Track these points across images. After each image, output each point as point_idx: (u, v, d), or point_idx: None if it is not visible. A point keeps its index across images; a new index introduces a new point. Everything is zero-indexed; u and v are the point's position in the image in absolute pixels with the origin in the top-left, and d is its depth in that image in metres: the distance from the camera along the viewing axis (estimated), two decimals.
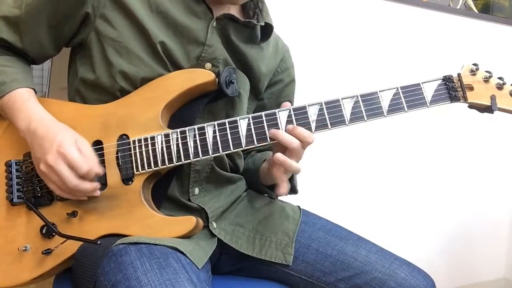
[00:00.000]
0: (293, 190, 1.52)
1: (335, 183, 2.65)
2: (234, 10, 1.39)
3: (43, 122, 1.21)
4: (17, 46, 1.30)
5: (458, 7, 3.03)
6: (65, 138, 1.18)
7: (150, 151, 1.23)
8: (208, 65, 1.31)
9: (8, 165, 1.27)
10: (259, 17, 1.41)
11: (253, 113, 1.47)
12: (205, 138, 1.22)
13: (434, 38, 2.90)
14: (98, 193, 1.21)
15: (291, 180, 1.45)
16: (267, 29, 1.42)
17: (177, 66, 1.29)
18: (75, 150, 1.17)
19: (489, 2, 3.18)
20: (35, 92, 1.30)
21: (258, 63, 1.43)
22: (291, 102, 1.60)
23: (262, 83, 1.48)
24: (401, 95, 1.23)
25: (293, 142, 1.21)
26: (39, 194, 1.24)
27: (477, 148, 3.14)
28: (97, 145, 1.25)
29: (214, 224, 1.37)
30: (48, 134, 1.19)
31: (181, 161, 1.23)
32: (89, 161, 1.18)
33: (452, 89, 1.23)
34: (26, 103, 1.24)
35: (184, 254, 1.17)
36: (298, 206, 1.51)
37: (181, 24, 1.29)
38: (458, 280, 3.18)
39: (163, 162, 1.23)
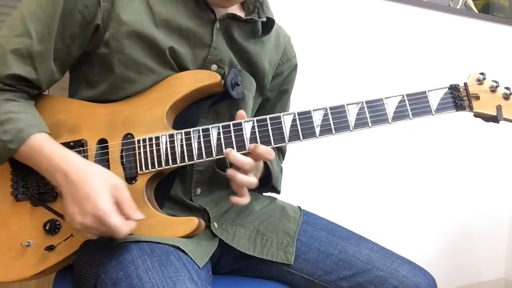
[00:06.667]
0: (274, 190, 1.54)
1: (336, 184, 2.67)
2: (235, 8, 1.39)
3: (70, 171, 1.13)
4: (31, 79, 1.22)
5: (458, 7, 3.04)
6: (100, 194, 1.10)
7: (154, 151, 1.23)
8: (214, 66, 1.32)
9: (14, 160, 1.26)
10: (260, 12, 1.41)
11: (257, 108, 1.50)
12: (209, 140, 1.23)
13: (434, 38, 2.91)
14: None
15: (269, 180, 1.46)
16: (269, 24, 1.42)
17: (185, 70, 1.29)
18: (113, 211, 1.10)
19: (489, 2, 3.19)
20: (49, 134, 1.23)
21: (262, 58, 1.44)
22: (289, 91, 1.62)
23: (267, 78, 1.49)
24: (407, 102, 1.23)
25: (245, 164, 1.21)
26: (43, 191, 1.24)
27: (477, 148, 3.15)
28: (102, 143, 1.25)
29: (216, 225, 1.37)
30: (78, 185, 1.11)
31: (184, 162, 1.23)
32: (125, 212, 1.14)
33: (458, 98, 1.24)
34: (44, 148, 1.17)
35: (186, 253, 1.18)
36: (299, 207, 1.52)
37: (186, 29, 1.28)
38: (458, 280, 3.20)
39: (166, 163, 1.23)
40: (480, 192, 3.23)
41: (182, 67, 1.28)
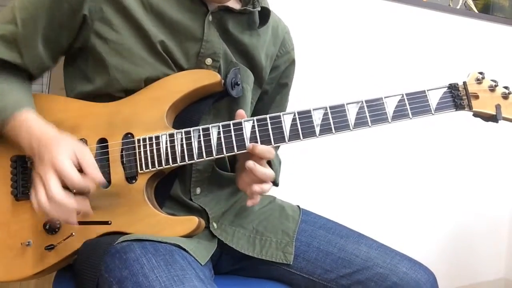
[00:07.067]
0: (273, 183, 1.53)
1: (336, 183, 2.67)
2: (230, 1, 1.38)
3: (43, 135, 1.18)
4: (17, 63, 1.28)
5: (458, 7, 3.04)
6: (60, 150, 1.13)
7: (155, 150, 1.23)
8: (209, 60, 1.31)
9: (14, 160, 1.27)
10: (255, 2, 1.40)
11: (256, 101, 1.49)
12: (210, 139, 1.23)
13: (434, 38, 2.91)
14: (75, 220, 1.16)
15: None
16: (265, 14, 1.42)
17: (178, 65, 1.29)
18: (69, 163, 1.12)
19: (489, 2, 3.19)
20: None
21: (258, 51, 1.43)
22: (289, 85, 1.61)
23: (265, 71, 1.48)
24: (406, 101, 1.23)
25: (266, 152, 1.22)
26: None
27: (478, 148, 3.15)
28: (102, 143, 1.26)
29: (215, 225, 1.37)
30: (46, 147, 1.15)
31: (185, 161, 1.23)
32: (86, 172, 1.14)
33: (457, 97, 1.24)
34: (25, 122, 1.21)
35: (188, 252, 1.17)
36: (298, 206, 1.52)
37: (177, 22, 1.28)
38: (458, 280, 3.19)
39: (167, 162, 1.23)
40: (480, 192, 3.23)
41: (175, 61, 1.29)
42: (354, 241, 1.40)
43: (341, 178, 2.69)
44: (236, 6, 1.39)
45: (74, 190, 1.13)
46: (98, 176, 1.15)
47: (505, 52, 3.18)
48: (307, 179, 2.55)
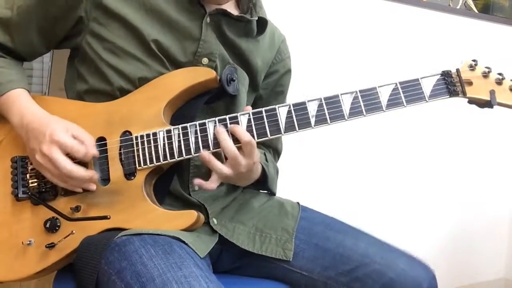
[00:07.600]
0: (270, 192, 1.55)
1: (336, 181, 2.66)
2: (230, 6, 1.41)
3: (34, 115, 1.25)
4: (8, 46, 1.34)
5: (458, 7, 3.04)
6: (56, 127, 1.21)
7: (152, 147, 1.24)
8: (205, 60, 1.33)
9: (14, 161, 1.29)
10: (253, 12, 1.43)
11: (251, 104, 1.50)
12: (206, 134, 1.24)
13: (434, 38, 2.91)
14: (93, 186, 1.24)
15: (265, 182, 1.47)
16: (262, 23, 1.44)
17: (175, 62, 1.31)
18: (68, 136, 1.20)
19: (489, 2, 3.20)
20: (29, 92, 1.33)
21: (254, 56, 1.45)
22: (285, 92, 1.62)
23: (260, 76, 1.50)
24: (400, 90, 1.24)
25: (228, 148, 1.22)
26: (43, 189, 1.26)
27: (478, 147, 3.14)
28: (101, 141, 1.27)
29: (215, 221, 1.38)
30: (40, 125, 1.22)
31: (182, 156, 1.24)
32: (85, 144, 1.22)
33: (450, 84, 1.24)
34: (18, 100, 1.28)
35: (186, 244, 1.18)
36: (298, 202, 1.52)
37: (176, 21, 1.31)
38: (458, 280, 3.17)
39: (164, 157, 1.24)
40: (480, 192, 3.21)
41: (171, 60, 1.30)
42: (352, 237, 1.40)
43: (342, 175, 2.68)
44: (234, 12, 1.41)
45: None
46: (95, 150, 1.24)
47: (505, 52, 3.17)
48: (307, 175, 2.55)
